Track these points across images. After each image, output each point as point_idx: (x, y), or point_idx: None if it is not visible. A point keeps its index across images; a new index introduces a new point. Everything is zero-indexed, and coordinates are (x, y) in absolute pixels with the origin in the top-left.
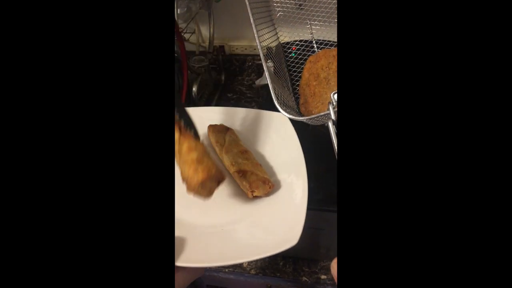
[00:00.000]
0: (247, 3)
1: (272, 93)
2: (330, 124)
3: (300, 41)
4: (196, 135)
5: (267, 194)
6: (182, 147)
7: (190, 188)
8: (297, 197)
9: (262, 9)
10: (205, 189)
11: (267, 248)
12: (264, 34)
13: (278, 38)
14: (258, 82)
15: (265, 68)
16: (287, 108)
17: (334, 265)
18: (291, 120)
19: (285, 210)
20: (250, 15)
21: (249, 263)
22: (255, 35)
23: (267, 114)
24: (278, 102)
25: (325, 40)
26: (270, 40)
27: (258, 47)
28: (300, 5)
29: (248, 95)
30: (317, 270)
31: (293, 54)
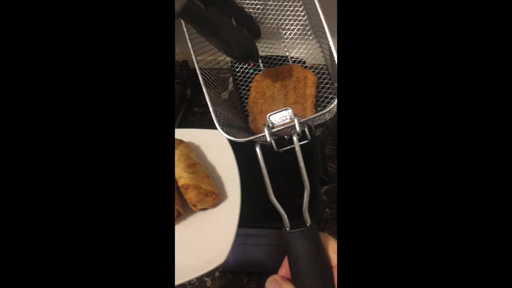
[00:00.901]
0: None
1: (213, 116)
2: (258, 149)
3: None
4: None
5: (214, 205)
6: None
7: None
8: (227, 216)
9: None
10: None
11: (193, 269)
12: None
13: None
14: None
15: (204, 91)
16: (230, 128)
17: (267, 285)
18: (233, 141)
19: (216, 229)
20: (186, 32)
21: (213, 281)
22: (191, 51)
23: (208, 132)
24: (219, 124)
25: (272, 57)
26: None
27: (196, 66)
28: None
29: None
30: None
31: (251, 70)
